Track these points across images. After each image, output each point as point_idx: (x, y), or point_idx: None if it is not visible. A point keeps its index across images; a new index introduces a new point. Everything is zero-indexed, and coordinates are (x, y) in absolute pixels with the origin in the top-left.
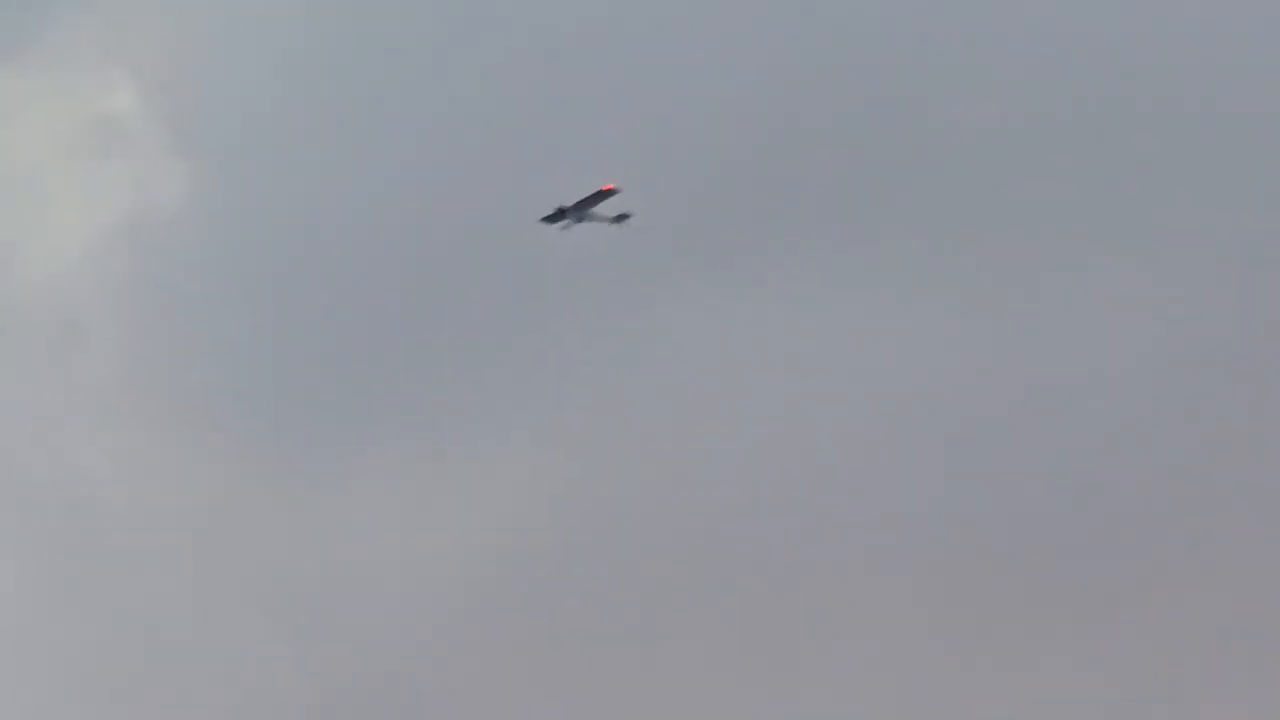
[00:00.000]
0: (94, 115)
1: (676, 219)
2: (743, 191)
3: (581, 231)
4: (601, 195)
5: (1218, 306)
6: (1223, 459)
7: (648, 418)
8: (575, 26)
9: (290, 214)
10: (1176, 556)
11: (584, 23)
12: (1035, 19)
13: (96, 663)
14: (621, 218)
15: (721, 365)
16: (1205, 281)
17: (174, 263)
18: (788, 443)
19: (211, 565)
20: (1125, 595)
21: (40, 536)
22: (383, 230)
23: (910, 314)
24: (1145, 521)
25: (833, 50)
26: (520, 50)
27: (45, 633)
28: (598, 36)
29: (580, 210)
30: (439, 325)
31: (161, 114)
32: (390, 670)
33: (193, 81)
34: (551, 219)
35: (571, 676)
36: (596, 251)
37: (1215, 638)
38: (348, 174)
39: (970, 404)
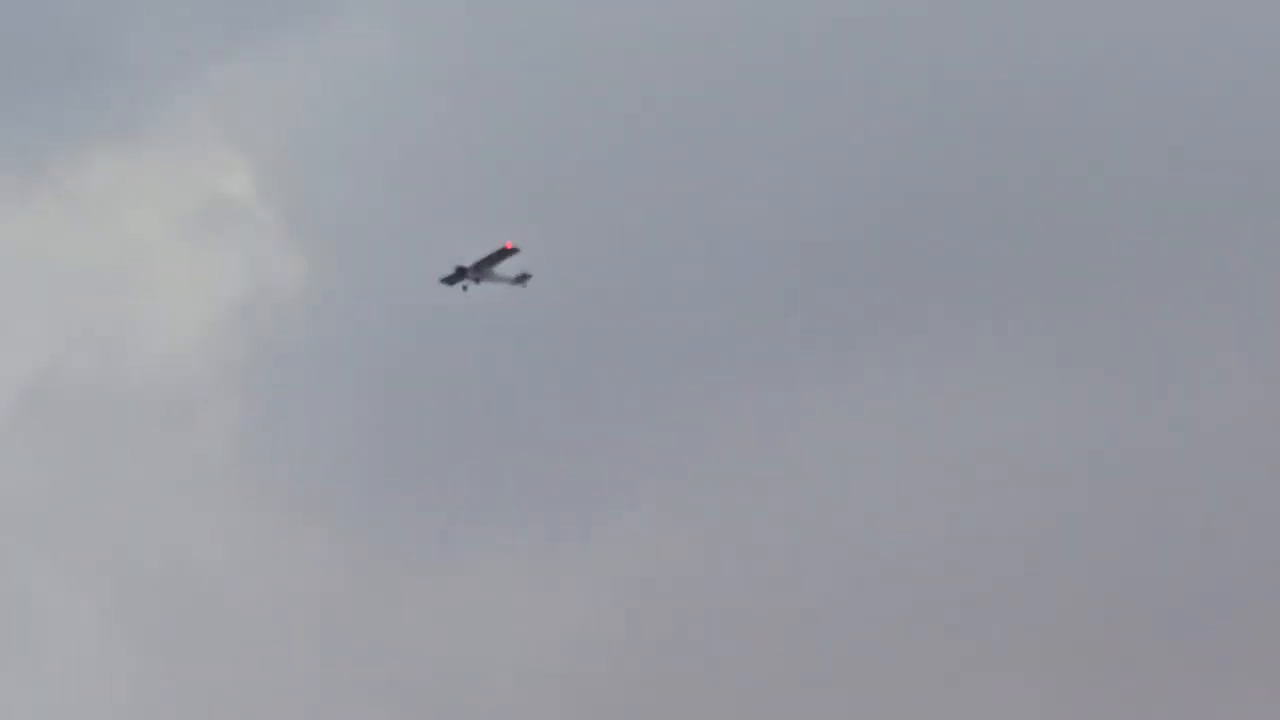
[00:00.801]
0: (209, 198)
1: (796, 298)
2: (860, 271)
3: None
4: (502, 254)
5: None
6: None
7: (768, 496)
8: (704, 102)
9: (401, 298)
10: None
11: (714, 100)
12: (1158, 97)
13: None
14: (523, 278)
15: (841, 444)
16: None
17: (286, 345)
18: (906, 519)
19: (322, 649)
20: None
21: (149, 617)
22: (493, 312)
23: (1035, 392)
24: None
25: (952, 131)
26: (637, 135)
27: (154, 714)
28: (717, 112)
29: (480, 270)
30: (553, 408)
31: (276, 197)
32: None
33: (307, 166)
34: (451, 279)
35: None
36: (715, 332)
37: None
38: (456, 256)
39: (1094, 480)
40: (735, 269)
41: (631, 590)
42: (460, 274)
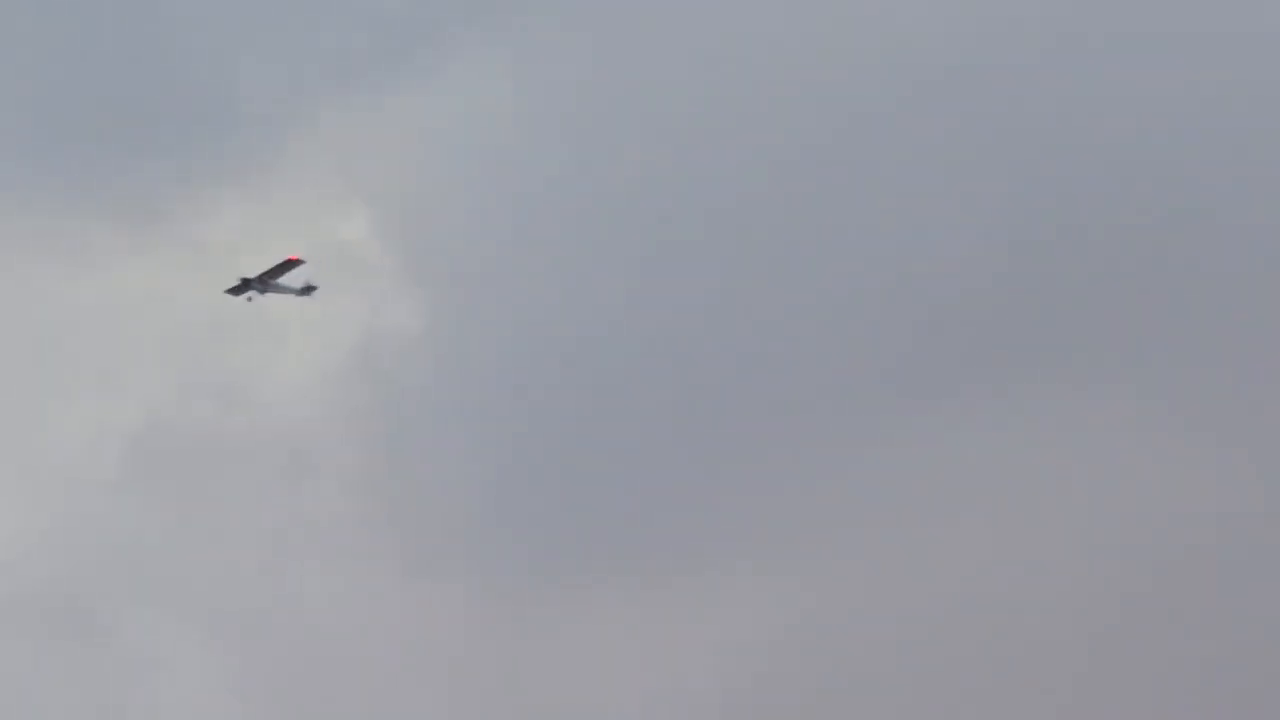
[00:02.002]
0: (328, 243)
1: (902, 353)
2: (965, 329)
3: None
4: (287, 265)
5: None
6: None
7: (877, 550)
8: (825, 148)
9: (521, 343)
10: None
11: (836, 146)
12: None
13: None
14: (308, 289)
15: (944, 496)
16: None
17: (405, 390)
18: (1011, 578)
19: (440, 698)
20: None
21: (265, 667)
22: (611, 360)
23: (1148, 453)
24: None
25: (1073, 183)
26: (760, 179)
27: None
28: (838, 157)
29: (265, 281)
30: (666, 457)
31: (395, 241)
32: None
33: (426, 208)
34: (236, 290)
35: None
36: (821, 381)
37: None
38: (576, 304)
39: (1220, 541)
40: (845, 323)
41: (742, 642)
42: (245, 285)
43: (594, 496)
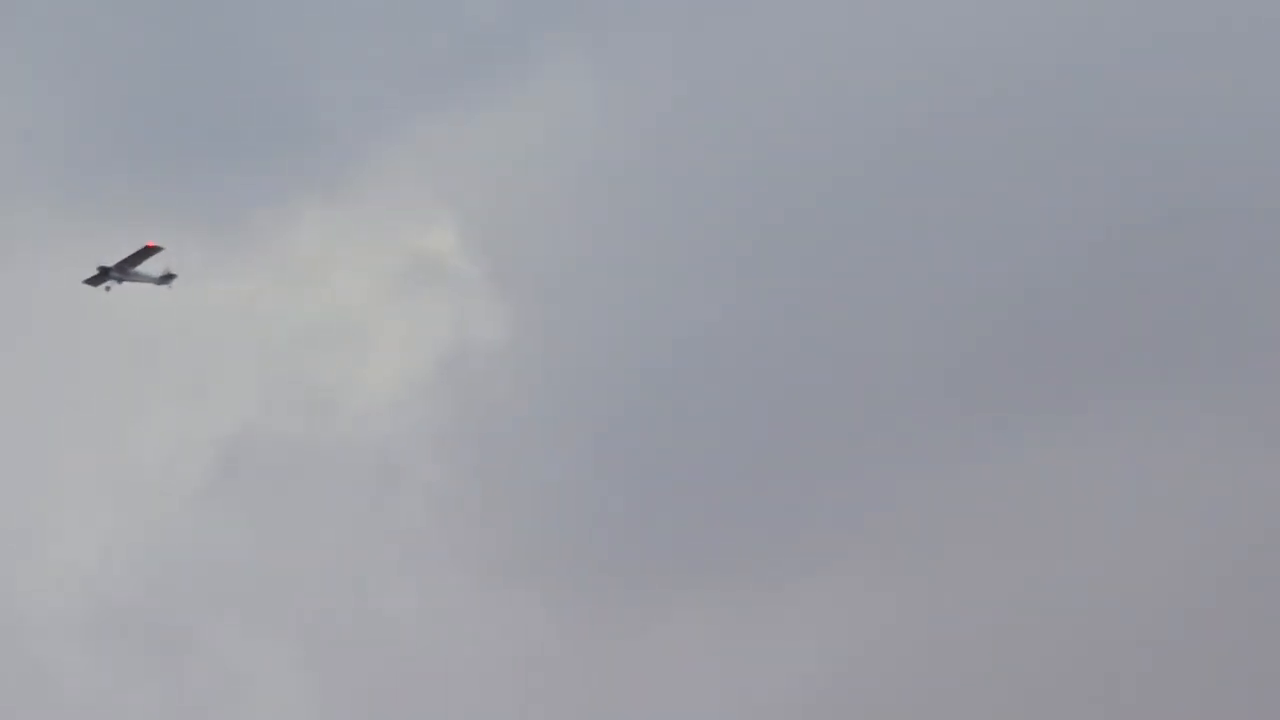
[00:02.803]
0: (414, 253)
1: (993, 360)
2: (1069, 339)
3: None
4: (145, 253)
5: None
6: None
7: (970, 562)
8: (916, 152)
9: (607, 354)
10: None
11: (929, 150)
12: None
13: None
14: (167, 277)
15: (1027, 510)
16: None
17: (491, 402)
18: (1112, 586)
19: (524, 712)
20: None
21: (351, 680)
22: (695, 370)
23: (1247, 461)
24: None
25: (1138, 192)
26: (849, 186)
27: None
28: (932, 162)
29: (123, 269)
30: (758, 468)
31: (481, 251)
32: None
33: (512, 218)
34: (94, 280)
35: None
36: (917, 395)
37: None
38: (664, 312)
39: None
40: (944, 331)
41: (833, 656)
42: (104, 274)
43: (677, 506)
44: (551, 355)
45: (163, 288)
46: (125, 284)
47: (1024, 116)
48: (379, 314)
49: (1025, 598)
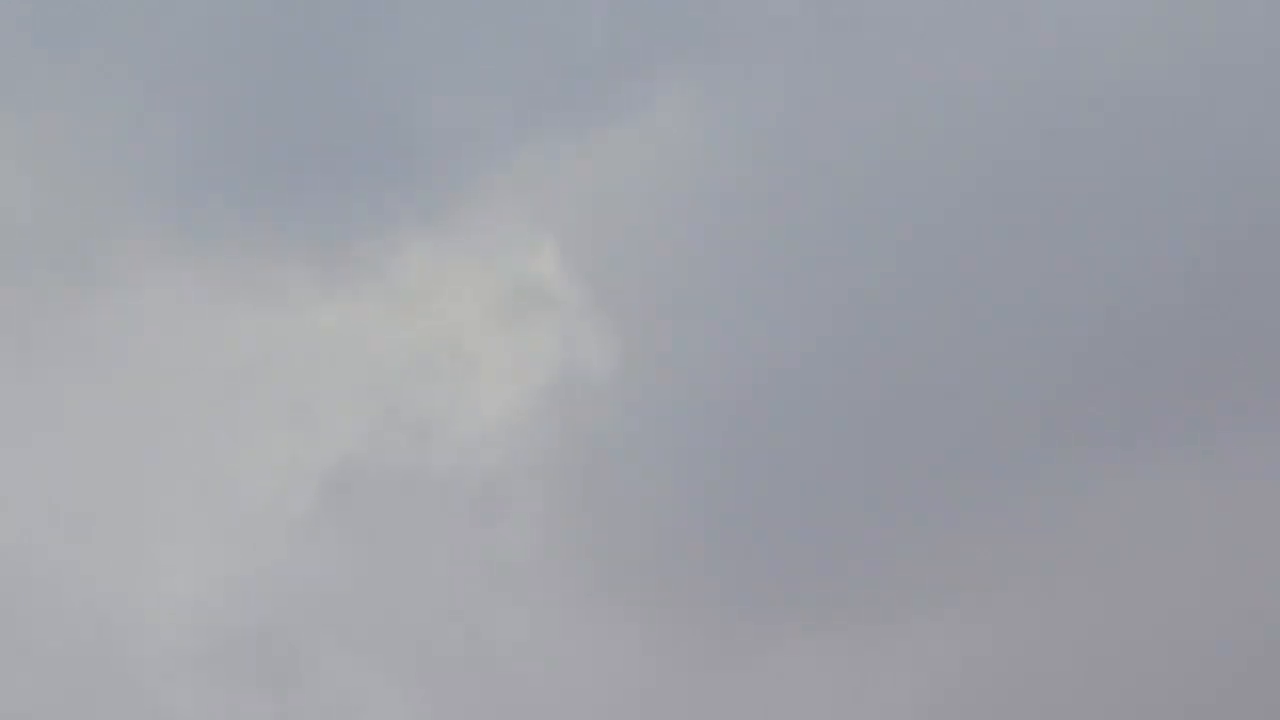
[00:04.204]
0: (518, 280)
1: (1137, 387)
2: (1192, 361)
3: None
4: None
5: None
6: None
7: (1082, 595)
8: (1024, 172)
9: (717, 381)
10: None
11: (1040, 168)
12: None
13: None
14: None
15: (1133, 544)
16: None
17: (600, 431)
18: (1233, 619)
19: None
20: None
21: (456, 711)
22: (806, 400)
23: None
24: None
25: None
26: (962, 214)
27: None
28: (1042, 180)
29: None
30: (867, 502)
31: (587, 278)
32: None
33: (618, 248)
34: None
35: None
36: (1038, 420)
37: None
38: (771, 343)
39: None
40: (1052, 361)
41: (945, 689)
42: None
43: (788, 537)
44: (659, 384)
45: None
46: None
47: (1145, 137)
48: (483, 342)
49: (1135, 634)
